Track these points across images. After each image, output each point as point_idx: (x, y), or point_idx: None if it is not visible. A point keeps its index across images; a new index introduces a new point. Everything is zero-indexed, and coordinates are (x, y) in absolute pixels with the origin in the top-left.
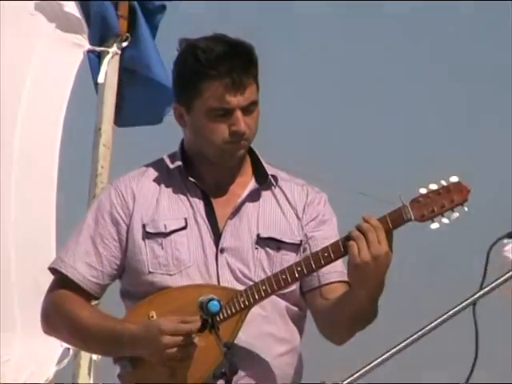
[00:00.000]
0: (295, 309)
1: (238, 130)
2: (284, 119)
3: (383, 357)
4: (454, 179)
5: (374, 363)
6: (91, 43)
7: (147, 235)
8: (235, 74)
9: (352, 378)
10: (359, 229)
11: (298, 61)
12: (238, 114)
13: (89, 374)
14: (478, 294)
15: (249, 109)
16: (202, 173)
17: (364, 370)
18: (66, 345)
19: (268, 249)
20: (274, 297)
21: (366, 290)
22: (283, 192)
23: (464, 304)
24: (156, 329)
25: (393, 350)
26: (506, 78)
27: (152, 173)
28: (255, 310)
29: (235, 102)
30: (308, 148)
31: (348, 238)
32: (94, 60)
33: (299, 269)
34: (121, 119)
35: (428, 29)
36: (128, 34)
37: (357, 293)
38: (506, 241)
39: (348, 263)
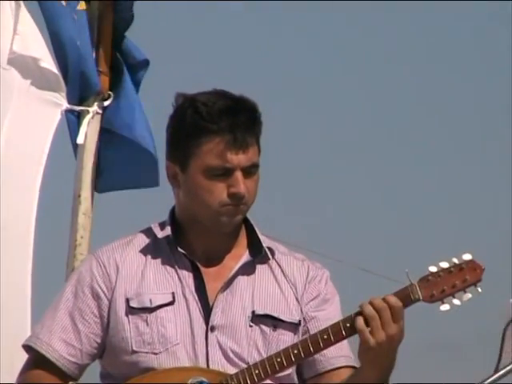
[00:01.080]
0: None
1: (237, 192)
2: (281, 187)
3: None
4: (467, 257)
5: None
6: (70, 102)
7: (131, 310)
8: (238, 131)
9: None
10: (373, 305)
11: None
12: (239, 174)
13: None
14: (492, 378)
15: (250, 171)
16: (193, 243)
17: None
18: None
19: (264, 327)
20: (269, 382)
21: (377, 371)
22: (280, 266)
23: None
24: None
25: None
26: None
27: (138, 242)
28: None
29: (236, 162)
30: (308, 220)
31: (359, 313)
32: (73, 120)
33: (296, 352)
34: (102, 184)
35: None
36: (110, 92)
37: (367, 373)
38: None
39: (360, 345)
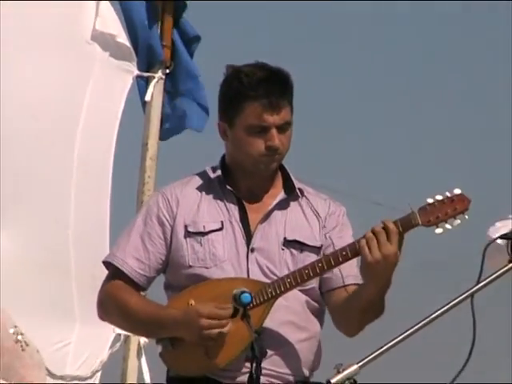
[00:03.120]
0: (315, 304)
1: (272, 145)
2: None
3: (393, 342)
4: (457, 191)
5: (383, 348)
6: (139, 69)
7: (188, 234)
8: (273, 97)
9: (367, 359)
10: (373, 231)
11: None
12: (274, 131)
13: (138, 356)
14: (476, 287)
15: (283, 127)
16: (239, 182)
17: (376, 353)
18: (118, 330)
19: (293, 250)
20: (296, 291)
21: (375, 285)
22: (308, 203)
23: (463, 296)
24: (194, 312)
25: (400, 337)
26: None
27: (195, 182)
28: (280, 301)
29: (271, 121)
30: (326, 161)
31: (362, 238)
32: (142, 84)
33: (320, 265)
34: (164, 134)
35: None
36: (171, 61)
37: (367, 287)
38: (499, 241)
39: (361, 261)
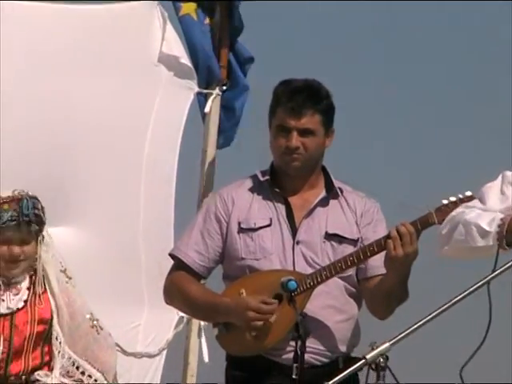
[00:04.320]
0: (352, 289)
1: (289, 145)
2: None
3: (420, 323)
4: (468, 193)
5: (411, 328)
6: (199, 87)
7: (241, 230)
8: (296, 104)
9: (398, 337)
10: (397, 230)
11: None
12: (294, 133)
13: (198, 336)
14: (493, 274)
15: (304, 132)
16: (285, 184)
17: (407, 331)
18: (181, 314)
19: (333, 242)
20: (335, 278)
21: (396, 275)
22: (346, 201)
23: (481, 282)
24: (244, 304)
25: (425, 319)
26: None
27: (247, 184)
28: (321, 287)
29: (292, 124)
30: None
31: (388, 237)
32: (202, 99)
33: (351, 259)
34: (221, 143)
35: None
36: (227, 80)
37: (389, 277)
38: None
39: (385, 255)
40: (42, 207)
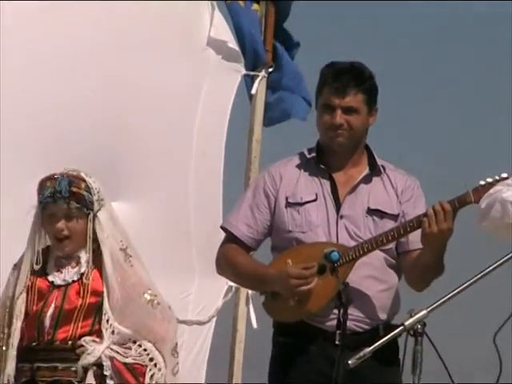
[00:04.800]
0: (392, 260)
1: (334, 122)
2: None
3: (453, 292)
4: (504, 175)
5: (446, 297)
6: (246, 69)
7: (289, 204)
8: (340, 84)
9: (434, 305)
10: (433, 208)
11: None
12: (338, 111)
13: (246, 304)
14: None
15: (348, 110)
16: (330, 161)
17: (443, 299)
18: (230, 283)
19: (374, 217)
20: (376, 251)
21: (432, 251)
22: (388, 178)
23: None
24: (286, 273)
25: (458, 289)
26: None
27: (295, 161)
28: (363, 258)
29: (337, 103)
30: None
31: (424, 215)
32: (248, 81)
33: (392, 233)
34: (267, 122)
35: None
36: (272, 63)
37: (426, 253)
38: None
39: (421, 232)
40: (89, 187)
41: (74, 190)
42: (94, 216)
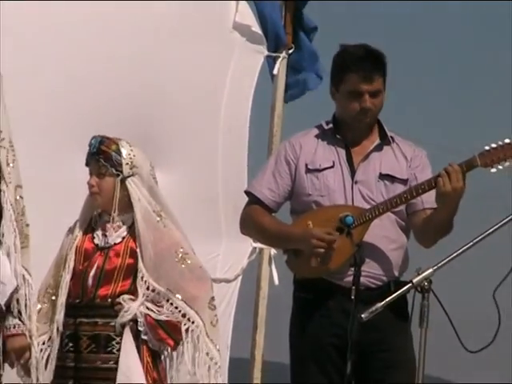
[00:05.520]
0: (402, 222)
1: (365, 107)
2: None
3: (457, 252)
4: (507, 140)
5: (451, 256)
6: (269, 51)
7: (308, 170)
8: (367, 71)
9: (439, 264)
10: (446, 170)
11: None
12: (367, 96)
13: (269, 264)
14: None
15: (375, 94)
16: (346, 132)
17: (449, 258)
18: (254, 244)
19: (386, 182)
20: (388, 213)
21: (445, 210)
22: (398, 147)
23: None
24: (309, 233)
25: (462, 249)
26: None
27: (313, 132)
28: (376, 220)
29: (365, 89)
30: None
31: (438, 176)
32: (270, 62)
33: (405, 195)
34: (288, 98)
35: None
36: (292, 45)
37: (439, 211)
38: None
39: (436, 191)
40: (119, 150)
41: (103, 148)
42: (124, 179)
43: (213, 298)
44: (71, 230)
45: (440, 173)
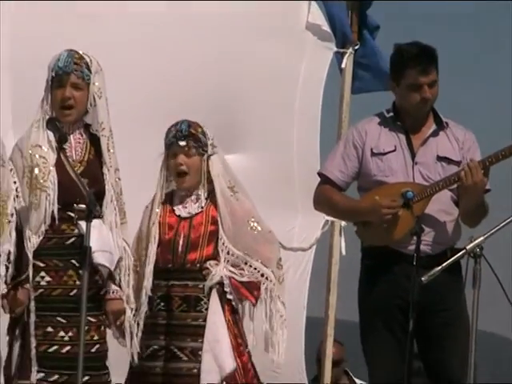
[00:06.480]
0: (456, 197)
1: (425, 97)
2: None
3: (507, 220)
4: None
5: (499, 226)
6: (337, 47)
7: (373, 154)
8: (424, 65)
9: (489, 232)
10: (468, 165)
11: None
12: (426, 87)
13: (339, 234)
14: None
15: (431, 84)
16: (405, 120)
17: (498, 227)
18: (326, 218)
19: (443, 163)
20: (445, 190)
21: (470, 200)
22: (452, 131)
23: None
24: (378, 204)
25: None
26: None
27: (376, 119)
28: (435, 196)
29: (424, 81)
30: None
31: (461, 170)
32: (339, 57)
33: (452, 178)
34: (354, 89)
35: None
36: (358, 42)
37: (466, 201)
38: None
39: (460, 185)
40: (204, 132)
41: (192, 131)
42: (208, 157)
43: (280, 259)
44: (150, 207)
45: (463, 168)
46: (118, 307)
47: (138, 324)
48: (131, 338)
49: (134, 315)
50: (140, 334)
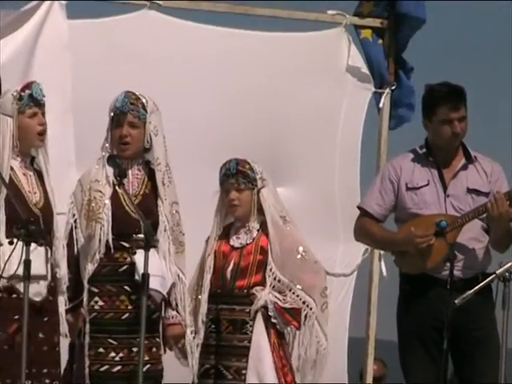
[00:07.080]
0: (486, 226)
1: (456, 132)
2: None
3: None
4: None
5: None
6: (375, 88)
7: (408, 188)
8: (455, 102)
9: None
10: (494, 197)
11: None
12: (456, 123)
13: (379, 260)
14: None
15: (461, 119)
16: (437, 155)
17: None
18: (365, 246)
19: (472, 195)
20: (476, 220)
21: (497, 229)
22: (480, 164)
23: None
24: (412, 234)
25: None
26: None
27: (410, 156)
28: (467, 225)
29: (454, 117)
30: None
31: (488, 202)
32: (377, 97)
33: (481, 209)
34: (392, 126)
35: None
36: (395, 83)
37: (493, 230)
38: None
39: (486, 215)
40: (252, 168)
41: (240, 168)
42: (258, 191)
43: (325, 288)
44: (209, 239)
45: (490, 199)
46: (178, 331)
47: (198, 345)
48: (192, 358)
49: (193, 337)
50: (197, 355)
